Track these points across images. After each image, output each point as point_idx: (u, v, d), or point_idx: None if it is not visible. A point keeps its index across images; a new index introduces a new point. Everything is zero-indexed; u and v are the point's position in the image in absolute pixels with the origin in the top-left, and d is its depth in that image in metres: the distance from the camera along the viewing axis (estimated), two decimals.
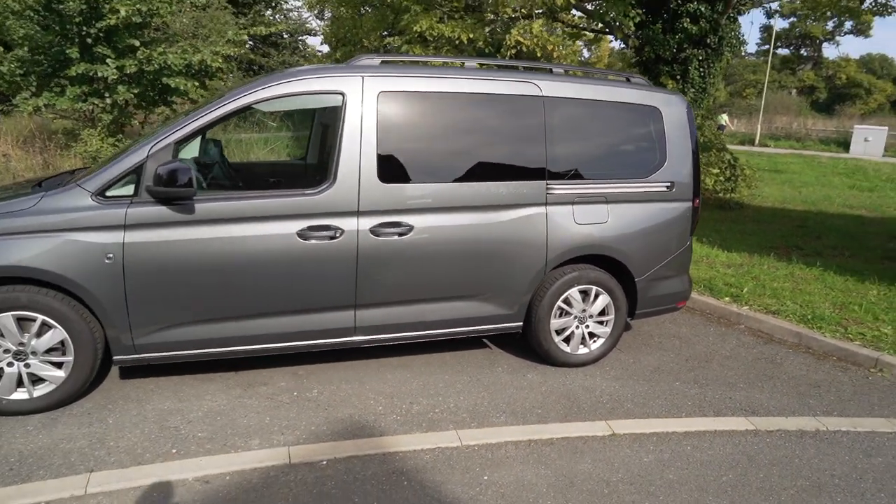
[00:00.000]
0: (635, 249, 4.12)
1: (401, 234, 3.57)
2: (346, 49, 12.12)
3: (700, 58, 11.71)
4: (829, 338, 4.78)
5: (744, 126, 34.01)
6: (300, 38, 24.80)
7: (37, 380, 3.23)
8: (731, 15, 11.84)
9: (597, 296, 4.10)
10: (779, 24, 45.31)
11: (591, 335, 4.17)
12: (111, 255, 3.15)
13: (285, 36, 23.29)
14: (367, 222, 3.50)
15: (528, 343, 4.17)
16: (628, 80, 4.32)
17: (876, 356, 4.46)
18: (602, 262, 4.11)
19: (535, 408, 3.62)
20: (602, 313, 4.15)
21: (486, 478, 2.91)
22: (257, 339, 3.50)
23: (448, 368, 4.06)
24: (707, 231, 8.29)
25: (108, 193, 3.18)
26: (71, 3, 7.19)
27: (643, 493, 2.86)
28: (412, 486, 2.82)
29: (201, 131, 3.37)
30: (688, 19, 11.31)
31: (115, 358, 3.32)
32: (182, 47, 8.57)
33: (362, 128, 3.48)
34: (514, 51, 8.79)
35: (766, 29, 53.85)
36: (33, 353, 3.17)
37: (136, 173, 3.20)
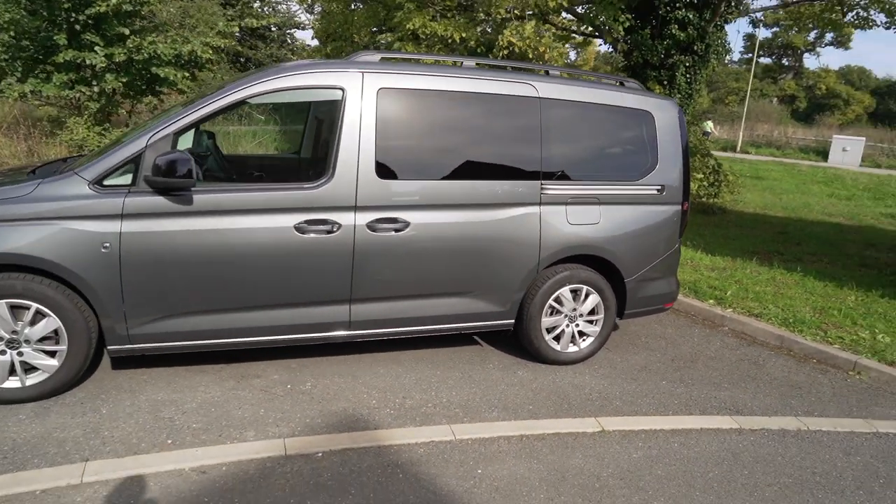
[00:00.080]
0: (625, 251, 4.20)
1: (397, 230, 3.60)
2: (336, 44, 12.08)
3: (687, 64, 11.88)
4: (810, 341, 4.91)
5: (726, 133, 34.54)
6: (288, 31, 24.65)
7: (29, 368, 3.20)
8: (718, 23, 12.02)
9: (587, 295, 4.18)
10: (762, 33, 46.03)
11: (581, 334, 4.25)
12: (107, 245, 3.13)
13: (273, 29, 23.11)
14: (364, 217, 3.53)
15: (518, 340, 4.23)
16: (622, 84, 4.39)
17: (854, 359, 4.60)
18: (593, 262, 4.18)
19: (526, 404, 3.68)
20: (592, 312, 4.23)
21: (479, 471, 2.96)
22: (252, 332, 3.51)
23: (440, 364, 4.10)
24: (691, 235, 8.43)
25: (106, 182, 3.17)
26: None
27: (633, 487, 2.93)
28: (408, 479, 2.85)
29: (201, 122, 3.36)
30: (676, 26, 11.47)
31: (109, 348, 3.31)
32: (172, 37, 8.48)
33: (361, 123, 3.50)
34: (506, 51, 8.85)
35: (750, 38, 54.67)
36: (26, 341, 3.15)
37: (134, 163, 3.19)
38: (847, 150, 26.59)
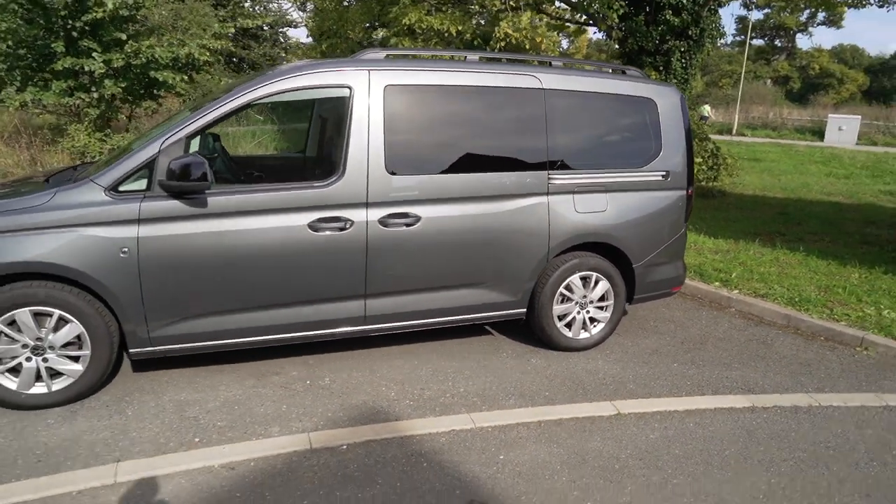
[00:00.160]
0: (633, 237, 4.26)
1: (408, 225, 3.65)
2: (331, 41, 12.08)
3: (682, 49, 11.88)
4: (817, 319, 4.98)
5: (721, 116, 34.57)
6: (280, 29, 24.59)
7: (55, 374, 3.26)
8: (712, 7, 12.02)
9: (597, 282, 4.23)
10: (754, 15, 46.00)
11: (592, 320, 4.31)
12: (126, 250, 3.18)
13: (265, 28, 23.06)
14: (376, 213, 3.58)
15: (530, 329, 4.29)
16: (624, 72, 4.44)
17: (861, 335, 4.67)
18: (601, 249, 4.23)
19: (542, 390, 3.74)
20: (602, 299, 4.29)
21: (501, 457, 3.03)
22: (270, 330, 3.56)
23: (455, 355, 4.16)
24: (693, 219, 8.46)
25: (122, 188, 3.21)
26: None
27: (652, 467, 3.00)
28: (432, 467, 2.92)
29: (212, 125, 3.40)
30: (670, 11, 11.46)
31: (131, 351, 3.36)
32: (168, 40, 8.49)
33: (369, 120, 3.54)
34: (503, 43, 8.87)
35: (742, 20, 54.63)
36: (51, 347, 3.20)
37: (148, 168, 3.23)
38: (843, 129, 26.63)
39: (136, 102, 8.82)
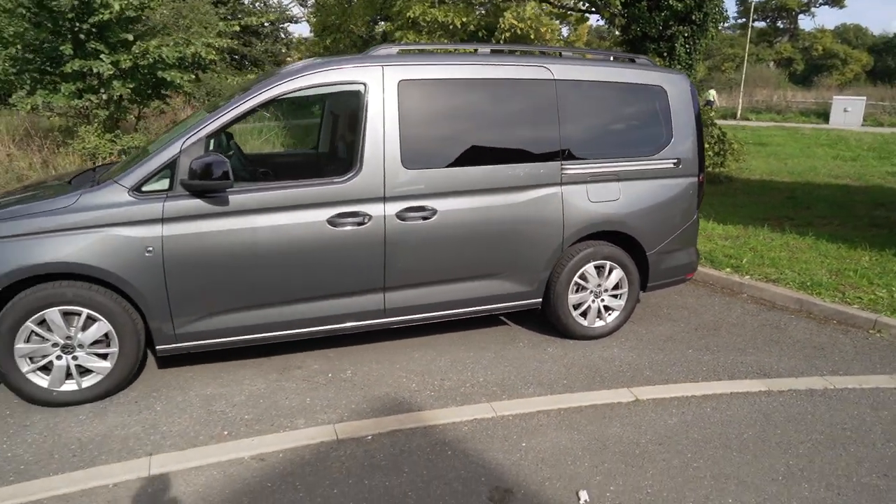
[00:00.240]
0: (646, 224, 4.30)
1: (425, 218, 3.70)
2: (334, 36, 12.10)
3: (686, 34, 11.84)
4: (829, 302, 5.01)
5: (724, 100, 34.34)
6: (281, 25, 24.58)
7: (84, 371, 3.34)
8: None
9: (611, 270, 4.28)
10: None
11: (607, 308, 4.36)
12: (151, 249, 3.25)
13: (266, 24, 23.05)
14: (394, 207, 3.63)
15: (546, 318, 4.35)
16: (633, 60, 4.46)
17: (874, 318, 4.70)
18: (615, 237, 4.28)
19: (560, 378, 3.80)
20: (616, 287, 4.33)
21: (524, 444, 3.09)
22: (292, 325, 3.63)
23: (472, 346, 4.22)
24: (702, 205, 8.50)
25: (145, 188, 3.27)
26: (63, 0, 7.14)
27: (672, 451, 3.06)
28: (457, 455, 2.98)
29: (231, 124, 3.45)
30: None
31: (157, 348, 3.44)
32: (174, 40, 8.53)
33: (385, 116, 3.59)
34: (508, 34, 8.88)
35: (743, 2, 54.19)
36: (80, 345, 3.27)
37: (170, 168, 3.29)
38: (848, 110, 26.44)
39: (144, 103, 8.88)
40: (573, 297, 4.22)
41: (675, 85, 4.40)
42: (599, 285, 4.27)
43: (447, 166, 3.75)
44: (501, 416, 3.35)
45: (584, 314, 4.30)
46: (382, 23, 12.32)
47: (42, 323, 3.18)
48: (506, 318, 4.70)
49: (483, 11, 10.76)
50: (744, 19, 51.46)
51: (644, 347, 4.29)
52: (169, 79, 8.24)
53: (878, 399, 3.64)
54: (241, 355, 3.94)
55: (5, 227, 3.09)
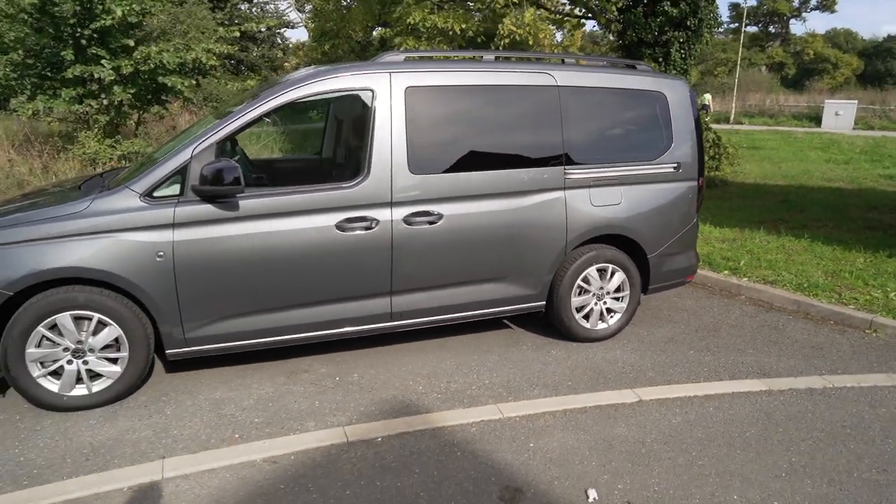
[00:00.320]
0: (647, 228, 4.36)
1: (431, 223, 3.75)
2: (333, 42, 12.15)
3: (681, 40, 11.95)
4: (826, 303, 5.09)
5: (718, 104, 34.62)
6: (278, 30, 24.63)
7: (94, 375, 3.36)
8: None
9: (613, 273, 4.34)
10: (747, 1, 46.08)
11: (609, 311, 4.42)
12: (162, 253, 3.28)
13: (263, 30, 23.09)
14: (400, 212, 3.68)
15: (549, 321, 4.40)
16: (634, 67, 4.53)
17: (870, 318, 4.78)
18: (617, 241, 4.34)
19: (564, 380, 3.85)
20: (618, 290, 4.39)
21: (532, 445, 3.14)
22: (301, 328, 3.67)
23: (477, 349, 4.27)
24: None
25: (156, 194, 3.31)
26: (65, 5, 7.16)
27: (677, 450, 3.11)
28: (466, 456, 3.03)
29: (240, 131, 3.50)
30: (668, 2, 11.52)
31: (167, 352, 3.47)
32: (175, 45, 8.57)
33: (392, 122, 3.64)
34: (507, 40, 8.96)
35: (735, 7, 54.67)
36: (90, 350, 3.30)
37: (181, 174, 3.33)
38: (840, 114, 26.75)
39: (144, 108, 8.90)
40: (576, 300, 4.27)
41: (674, 90, 4.47)
42: (602, 288, 4.33)
43: (453, 171, 3.80)
44: (508, 417, 3.40)
45: (586, 317, 4.35)
46: (379, 28, 12.37)
47: (53, 328, 3.21)
48: (509, 321, 4.76)
49: (481, 17, 10.86)
50: (736, 24, 51.90)
51: (646, 349, 4.35)
52: (170, 84, 8.27)
53: (876, 397, 3.72)
54: (248, 359, 3.97)
55: (19, 233, 3.12)
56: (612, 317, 4.44)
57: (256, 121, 3.55)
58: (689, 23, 11.84)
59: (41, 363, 3.25)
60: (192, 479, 2.82)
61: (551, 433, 3.25)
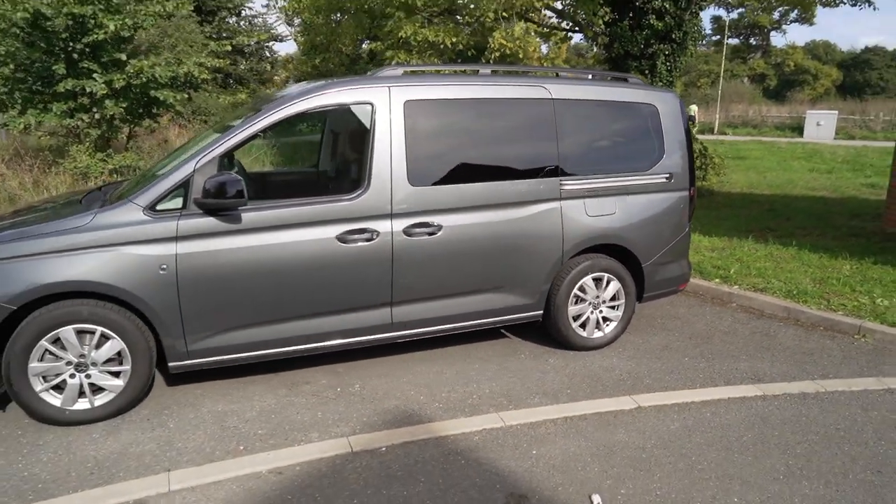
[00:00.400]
0: (641, 237, 4.45)
1: (431, 234, 3.80)
2: (323, 56, 12.23)
3: (666, 52, 12.18)
4: (815, 310, 5.20)
5: (702, 115, 35.11)
6: (266, 44, 24.69)
7: (97, 389, 3.36)
8: (694, 10, 12.35)
9: (608, 282, 4.41)
10: (728, 14, 47.00)
11: (605, 319, 4.49)
12: (165, 266, 3.30)
13: (251, 43, 23.14)
14: (400, 224, 3.73)
15: (546, 330, 4.46)
16: (626, 80, 4.64)
17: (858, 324, 4.89)
18: (612, 250, 4.42)
19: (563, 388, 3.90)
20: (613, 298, 4.47)
21: (534, 452, 3.18)
22: (302, 340, 3.69)
23: (475, 359, 4.31)
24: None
25: (159, 207, 3.34)
26: (57, 20, 7.18)
27: (676, 455, 3.17)
28: (470, 464, 3.06)
29: (242, 145, 3.54)
30: (653, 16, 11.76)
31: (170, 364, 3.48)
32: (166, 59, 8.59)
33: (391, 135, 3.70)
34: (497, 53, 9.09)
35: (716, 20, 55.61)
36: (93, 363, 3.30)
37: (183, 187, 3.36)
38: (821, 124, 27.26)
39: (135, 122, 8.90)
40: (573, 309, 4.34)
41: (665, 103, 4.58)
42: (598, 297, 4.40)
43: (451, 183, 3.87)
44: (510, 425, 3.44)
45: (583, 325, 4.42)
46: (368, 41, 12.46)
47: (56, 341, 3.21)
48: (506, 330, 4.81)
49: (470, 31, 11.00)
50: (718, 36, 52.82)
51: (642, 357, 4.41)
52: (162, 98, 8.28)
53: (867, 400, 3.80)
54: (248, 372, 3.98)
55: (22, 247, 3.13)
56: (608, 325, 4.51)
57: (258, 135, 3.59)
58: (674, 36, 12.08)
59: (44, 377, 3.24)
60: (199, 491, 2.83)
61: (553, 440, 3.29)
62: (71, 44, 7.52)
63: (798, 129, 28.91)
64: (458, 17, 11.32)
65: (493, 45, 8.94)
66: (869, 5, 13.54)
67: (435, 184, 3.82)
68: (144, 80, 7.99)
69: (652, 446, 3.25)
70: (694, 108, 26.03)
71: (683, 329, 4.99)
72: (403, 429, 3.38)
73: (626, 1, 11.82)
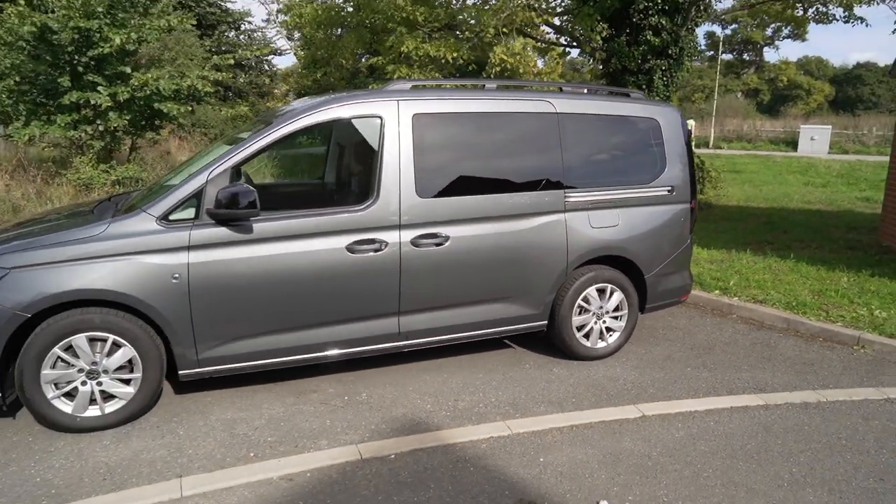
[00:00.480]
0: (644, 249, 4.52)
1: (438, 245, 3.86)
2: (324, 70, 12.36)
3: (663, 68, 12.35)
4: (814, 321, 5.27)
5: (697, 129, 35.41)
6: (265, 58, 24.88)
7: (108, 397, 3.39)
8: (689, 26, 12.55)
9: (612, 293, 4.48)
10: (722, 31, 47.63)
11: (608, 330, 4.54)
12: (177, 276, 3.35)
13: (250, 56, 23.32)
14: (408, 235, 3.79)
15: (551, 340, 4.51)
16: (628, 95, 4.73)
17: (857, 335, 4.96)
18: (615, 261, 4.48)
19: (568, 397, 3.95)
20: (617, 309, 4.52)
21: (542, 459, 3.22)
22: (311, 349, 3.73)
23: (480, 368, 4.35)
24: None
25: (172, 217, 3.39)
26: (63, 33, 7.26)
27: (682, 462, 3.21)
28: (479, 471, 3.10)
29: (254, 156, 3.60)
30: (650, 32, 11.94)
31: (180, 372, 3.51)
32: (170, 72, 8.68)
33: (400, 147, 3.77)
34: (498, 68, 9.22)
35: (710, 36, 56.31)
36: (105, 371, 3.34)
37: (196, 197, 3.42)
38: (815, 138, 27.53)
39: (138, 134, 8.97)
40: (577, 319, 4.39)
41: (667, 117, 4.67)
42: (601, 307, 4.46)
43: (458, 195, 3.93)
44: (517, 433, 3.48)
45: (587, 335, 4.47)
46: (367, 56, 12.61)
47: (69, 349, 3.25)
48: (510, 341, 4.85)
49: (470, 46, 11.15)
50: (712, 52, 53.41)
51: (645, 366, 4.46)
52: (166, 110, 8.35)
53: (867, 410, 3.86)
54: (255, 380, 4.01)
55: (37, 255, 3.18)
56: (611, 335, 4.56)
57: (269, 147, 3.65)
58: (670, 51, 12.26)
59: (56, 384, 3.27)
60: (211, 497, 2.85)
61: (560, 448, 3.33)
62: (76, 57, 7.60)
63: (792, 144, 29.19)
64: (459, 33, 11.47)
65: (493, 60, 9.08)
66: (861, 22, 13.77)
67: (442, 195, 3.89)
68: (148, 92, 8.06)
69: (658, 454, 3.29)
70: (691, 123, 26.29)
71: (685, 340, 5.05)
72: (412, 436, 3.42)
73: (624, 17, 12.01)
